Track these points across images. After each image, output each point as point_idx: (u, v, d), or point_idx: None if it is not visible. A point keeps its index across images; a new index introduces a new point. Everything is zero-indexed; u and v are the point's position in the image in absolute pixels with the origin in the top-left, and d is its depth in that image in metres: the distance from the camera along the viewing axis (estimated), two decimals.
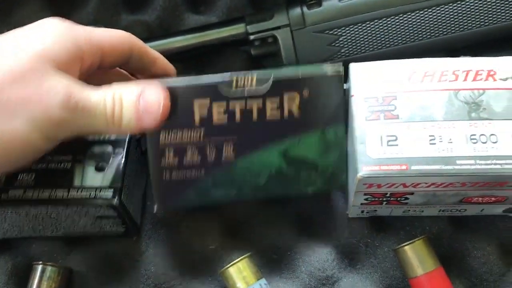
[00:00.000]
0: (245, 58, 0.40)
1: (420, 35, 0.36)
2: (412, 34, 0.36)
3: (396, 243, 0.33)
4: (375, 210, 0.34)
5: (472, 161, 0.28)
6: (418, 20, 0.36)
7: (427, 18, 0.36)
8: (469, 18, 0.36)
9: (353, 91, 0.31)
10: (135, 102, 0.28)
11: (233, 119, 0.31)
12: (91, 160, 0.32)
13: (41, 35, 0.27)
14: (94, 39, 0.29)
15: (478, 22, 0.36)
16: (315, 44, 0.37)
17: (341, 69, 0.31)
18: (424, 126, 0.29)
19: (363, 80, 0.31)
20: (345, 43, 0.37)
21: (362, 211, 0.34)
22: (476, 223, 0.35)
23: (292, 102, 0.31)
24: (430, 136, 0.29)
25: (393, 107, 0.30)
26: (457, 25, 0.36)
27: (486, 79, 0.30)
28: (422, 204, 0.32)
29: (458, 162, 0.28)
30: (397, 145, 0.29)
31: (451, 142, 0.29)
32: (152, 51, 0.33)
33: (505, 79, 0.30)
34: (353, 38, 0.36)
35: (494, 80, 0.30)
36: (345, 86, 0.32)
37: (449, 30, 0.36)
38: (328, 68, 0.31)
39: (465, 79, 0.30)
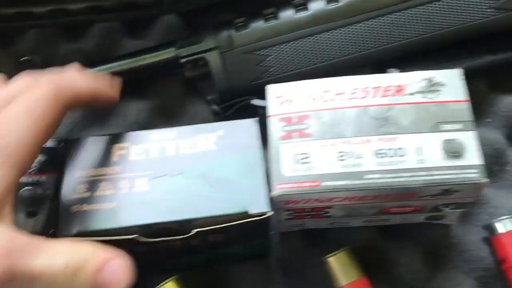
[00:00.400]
0: (182, 80, 0.41)
1: (347, 51, 0.38)
2: (338, 50, 0.38)
3: (327, 254, 0.34)
4: (302, 224, 0.35)
5: (379, 175, 0.29)
6: (343, 37, 0.37)
7: (351, 35, 0.37)
8: (394, 32, 0.37)
9: (269, 112, 0.32)
10: (92, 277, 0.23)
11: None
12: (21, 206, 0.31)
13: None
14: None
15: (403, 36, 0.37)
16: (245, 65, 0.38)
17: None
18: (334, 143, 0.30)
19: (278, 101, 0.32)
20: (273, 62, 0.38)
21: (291, 226, 0.35)
22: (402, 231, 0.36)
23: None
24: (340, 152, 0.30)
25: (306, 126, 0.31)
26: (382, 39, 0.38)
27: (395, 95, 0.31)
28: (345, 216, 0.34)
29: (365, 176, 0.29)
30: (309, 162, 0.30)
31: (360, 158, 0.30)
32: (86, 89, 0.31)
33: (413, 94, 0.31)
34: (280, 57, 0.38)
35: (403, 95, 0.31)
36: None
37: (375, 45, 0.38)
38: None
39: (374, 96, 0.31)
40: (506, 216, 0.34)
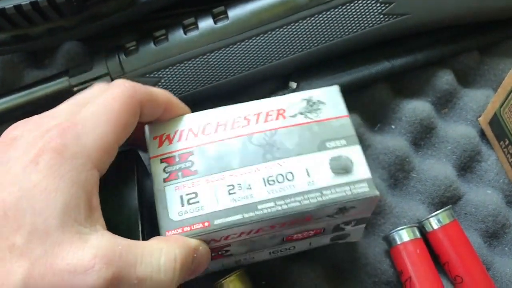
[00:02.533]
0: None
1: (241, 68, 0.37)
2: (232, 67, 0.37)
3: None
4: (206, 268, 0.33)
5: (272, 204, 0.28)
6: (236, 54, 0.37)
7: (243, 52, 0.37)
8: (286, 45, 0.37)
9: (150, 153, 0.30)
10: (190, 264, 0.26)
11: None
12: None
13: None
14: None
15: (297, 48, 0.37)
16: None
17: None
18: (222, 177, 0.29)
19: (158, 141, 0.30)
20: (168, 83, 0.37)
21: None
22: (305, 252, 0.35)
23: None
24: (228, 186, 0.28)
25: (191, 163, 0.29)
26: (276, 53, 0.37)
27: (277, 119, 0.30)
28: (248, 251, 0.32)
29: (259, 207, 0.28)
30: (198, 201, 0.28)
31: (250, 188, 0.28)
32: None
33: (294, 116, 0.30)
34: (174, 78, 0.37)
35: (284, 118, 0.30)
36: None
37: (269, 59, 0.38)
38: None
39: (256, 122, 0.30)
40: (402, 227, 0.34)
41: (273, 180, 0.28)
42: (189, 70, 0.37)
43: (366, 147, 0.39)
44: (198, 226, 0.28)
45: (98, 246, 0.22)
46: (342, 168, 0.29)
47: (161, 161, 0.29)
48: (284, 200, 0.28)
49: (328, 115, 0.30)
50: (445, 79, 0.41)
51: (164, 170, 0.29)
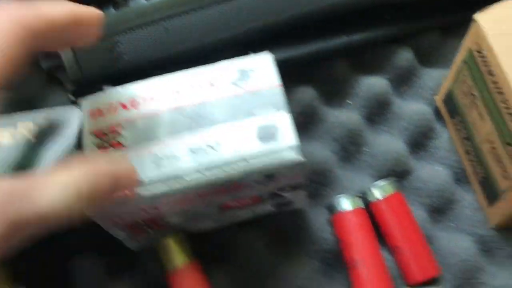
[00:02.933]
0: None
1: (203, 35, 0.37)
2: (194, 34, 0.37)
3: None
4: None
5: (198, 173, 0.28)
6: (196, 21, 0.37)
7: (204, 19, 0.37)
8: (246, 15, 0.37)
9: (84, 127, 0.30)
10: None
11: None
12: None
13: None
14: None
15: (262, 16, 0.38)
16: (96, 53, 0.37)
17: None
18: (149, 149, 0.29)
19: (91, 114, 0.30)
20: (126, 48, 0.37)
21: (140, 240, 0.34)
22: (252, 221, 0.35)
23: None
24: (155, 157, 0.29)
25: (120, 136, 0.30)
26: (237, 23, 0.37)
27: (208, 89, 0.31)
28: (188, 221, 0.32)
29: (184, 177, 0.28)
30: None
31: (176, 159, 0.29)
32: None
33: (225, 85, 0.31)
34: (133, 43, 0.37)
35: (215, 88, 0.31)
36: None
37: (228, 28, 0.37)
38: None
39: (188, 94, 0.30)
40: (343, 195, 0.34)
41: (200, 150, 0.29)
42: (148, 36, 0.37)
43: (319, 121, 0.39)
44: (123, 195, 0.28)
45: None
46: (268, 135, 0.29)
47: (92, 134, 0.30)
48: (210, 170, 0.28)
49: (259, 83, 0.31)
50: (405, 56, 0.41)
51: (94, 144, 0.30)
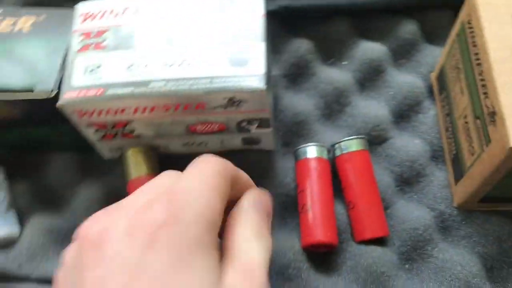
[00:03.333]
0: None
1: None
2: None
3: None
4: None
5: (163, 83, 0.30)
6: None
7: None
8: None
9: (73, 28, 0.32)
10: None
11: None
12: None
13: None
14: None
15: None
16: None
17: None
18: (126, 54, 0.31)
19: (83, 18, 0.32)
20: None
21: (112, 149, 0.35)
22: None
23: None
24: (129, 62, 0.30)
25: (103, 40, 0.31)
26: None
27: (194, 9, 0.32)
28: (156, 137, 0.34)
29: (151, 85, 0.30)
30: (99, 72, 0.30)
31: (148, 67, 0.30)
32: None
33: (212, 8, 0.32)
34: None
35: (202, 10, 0.32)
36: None
37: None
38: None
39: (173, 10, 0.32)
40: (310, 144, 0.35)
41: (172, 63, 0.30)
42: None
43: (310, 75, 0.40)
44: (92, 92, 0.30)
45: None
46: (239, 61, 0.30)
47: (80, 35, 0.32)
48: (175, 82, 0.30)
49: (244, 12, 0.31)
50: (409, 29, 0.40)
51: (80, 42, 0.32)
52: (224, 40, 0.31)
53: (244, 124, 0.33)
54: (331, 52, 0.41)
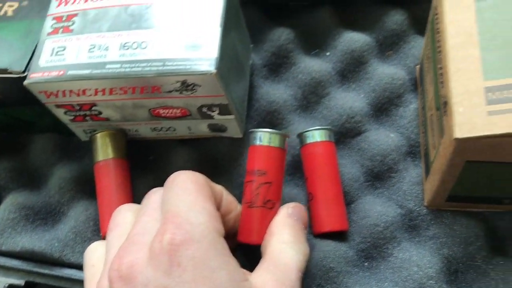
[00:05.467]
0: None
1: None
2: None
3: None
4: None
5: (118, 65, 0.30)
6: None
7: None
8: None
9: (48, 12, 0.34)
10: None
11: None
12: None
13: None
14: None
15: None
16: None
17: None
18: (89, 37, 0.32)
19: (57, 2, 0.34)
20: None
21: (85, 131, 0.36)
22: (193, 143, 0.37)
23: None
24: (91, 45, 0.31)
25: (72, 23, 0.32)
26: None
27: None
28: (123, 120, 0.34)
29: (107, 66, 0.30)
30: (63, 54, 0.31)
31: (107, 50, 0.31)
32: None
33: None
34: None
35: None
36: None
37: None
38: None
39: None
40: (270, 130, 0.32)
41: (128, 46, 0.31)
42: None
43: (290, 64, 0.39)
44: (54, 73, 0.31)
45: None
46: (193, 45, 0.30)
47: (53, 18, 0.33)
48: (130, 64, 0.30)
49: None
50: (396, 19, 0.39)
51: (51, 26, 0.33)
52: (182, 24, 0.31)
53: (204, 109, 0.33)
54: (315, 43, 0.40)
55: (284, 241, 0.27)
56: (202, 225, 0.24)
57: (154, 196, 0.27)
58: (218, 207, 0.27)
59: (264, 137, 0.31)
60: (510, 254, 0.30)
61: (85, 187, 0.36)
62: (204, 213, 0.24)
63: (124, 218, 0.27)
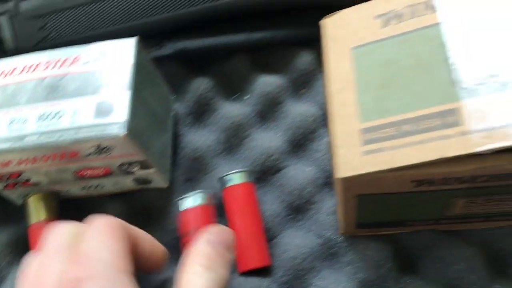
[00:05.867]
0: None
1: (117, 20, 0.42)
2: (111, 18, 0.41)
3: None
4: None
5: (36, 137, 0.32)
6: (109, 8, 0.41)
7: (116, 7, 0.41)
8: (158, 5, 0.41)
9: None
10: None
11: None
12: None
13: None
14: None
15: (168, 9, 0.41)
16: (28, 29, 0.43)
17: None
18: (8, 112, 0.34)
19: None
20: (52, 28, 0.42)
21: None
22: (117, 196, 0.39)
23: None
24: (11, 119, 0.33)
25: None
26: (149, 11, 0.41)
27: (70, 65, 0.34)
28: (53, 184, 0.36)
29: (26, 139, 0.32)
30: None
31: (25, 123, 0.33)
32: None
33: (86, 62, 0.34)
34: (58, 23, 0.42)
35: (77, 64, 0.34)
36: None
37: (141, 16, 0.41)
38: None
39: (53, 67, 0.35)
40: (190, 195, 0.35)
41: (45, 117, 0.33)
42: (72, 18, 0.42)
43: (211, 111, 0.42)
44: None
45: None
46: (104, 111, 0.32)
47: None
48: (47, 135, 0.32)
49: (114, 63, 0.34)
50: (305, 59, 0.42)
51: None
52: (93, 90, 0.33)
53: (125, 167, 0.35)
54: (234, 88, 0.43)
55: (194, 271, 0.26)
56: (108, 261, 0.25)
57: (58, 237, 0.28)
58: (134, 247, 0.28)
59: (187, 202, 0.35)
60: (417, 272, 0.33)
61: (24, 249, 0.38)
62: (109, 251, 0.26)
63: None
